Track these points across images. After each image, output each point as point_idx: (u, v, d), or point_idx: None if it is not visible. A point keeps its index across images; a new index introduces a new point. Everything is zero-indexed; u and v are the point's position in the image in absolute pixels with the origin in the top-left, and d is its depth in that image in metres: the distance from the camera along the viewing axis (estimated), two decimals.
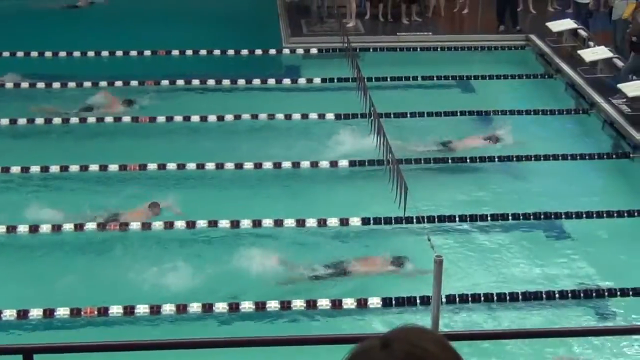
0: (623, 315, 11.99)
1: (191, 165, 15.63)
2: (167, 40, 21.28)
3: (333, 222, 13.93)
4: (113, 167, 15.54)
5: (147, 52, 21.06)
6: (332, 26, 22.34)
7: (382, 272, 12.83)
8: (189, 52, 21.12)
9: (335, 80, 19.36)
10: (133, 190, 14.93)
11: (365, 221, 13.93)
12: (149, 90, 18.99)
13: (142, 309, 11.75)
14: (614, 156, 16.39)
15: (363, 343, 2.27)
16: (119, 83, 19.21)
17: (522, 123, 17.56)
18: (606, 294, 12.26)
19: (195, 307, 11.87)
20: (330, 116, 17.74)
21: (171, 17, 23.18)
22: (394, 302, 12.05)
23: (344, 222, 13.93)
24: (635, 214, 14.04)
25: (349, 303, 12.00)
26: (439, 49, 21.41)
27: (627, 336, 10.81)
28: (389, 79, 19.46)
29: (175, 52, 21.12)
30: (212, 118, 17.70)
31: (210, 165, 15.65)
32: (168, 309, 11.80)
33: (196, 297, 12.04)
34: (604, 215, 14.02)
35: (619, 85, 17.63)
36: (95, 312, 11.72)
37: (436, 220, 13.86)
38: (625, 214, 14.03)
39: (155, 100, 18.51)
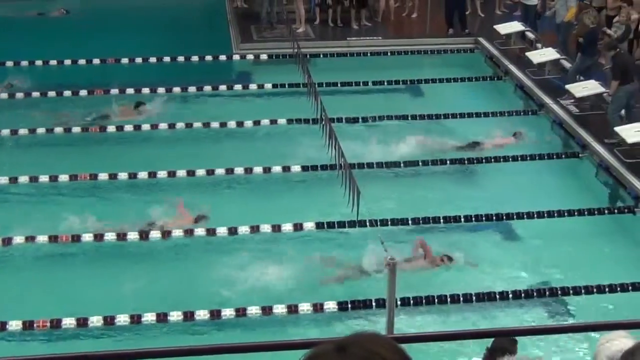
0: (576, 313, 12.14)
1: (142, 174, 15.51)
2: (116, 48, 21.12)
3: (287, 227, 13.92)
4: (64, 178, 15.38)
5: (96, 61, 20.88)
6: (282, 32, 22.35)
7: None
8: (139, 60, 20.97)
9: (287, 86, 19.38)
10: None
11: (320, 225, 13.95)
12: (97, 99, 18.82)
13: (95, 320, 11.66)
14: (563, 156, 16.60)
15: (318, 347, 2.28)
16: (67, 92, 19.04)
17: (473, 125, 17.71)
18: (559, 292, 12.39)
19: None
20: (282, 121, 17.74)
21: (119, 24, 23.03)
22: (349, 306, 12.09)
23: (297, 226, 13.94)
24: (585, 212, 14.22)
25: (304, 308, 12.00)
26: (389, 54, 21.54)
27: (580, 334, 10.91)
28: (339, 84, 19.53)
29: (125, 60, 20.96)
30: (162, 126, 17.60)
31: (162, 174, 15.55)
32: (122, 319, 11.72)
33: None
34: (555, 214, 14.17)
35: (567, 86, 17.86)
36: (48, 324, 11.59)
37: (389, 223, 13.90)
38: (576, 213, 14.19)
39: (106, 108, 18.33)
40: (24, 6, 24.73)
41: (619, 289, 12.30)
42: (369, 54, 21.52)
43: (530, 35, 20.96)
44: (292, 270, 12.88)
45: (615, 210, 14.62)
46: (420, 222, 14.07)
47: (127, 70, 20.61)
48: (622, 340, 3.85)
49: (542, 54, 19.68)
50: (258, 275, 12.79)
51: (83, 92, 19.10)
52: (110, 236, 13.62)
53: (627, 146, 15.34)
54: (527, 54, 19.86)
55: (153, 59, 20.99)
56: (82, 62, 20.84)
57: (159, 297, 12.32)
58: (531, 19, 21.56)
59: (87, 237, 13.58)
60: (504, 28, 21.33)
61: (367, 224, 13.55)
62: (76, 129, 17.42)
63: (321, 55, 21.23)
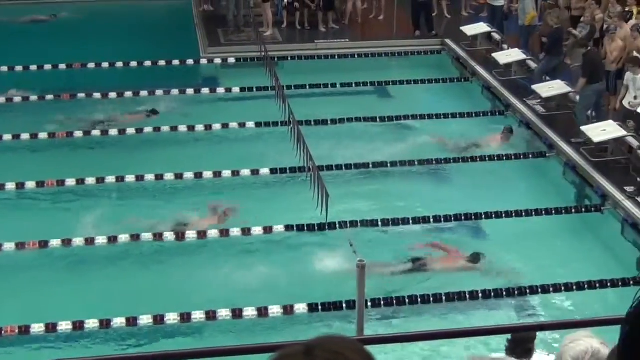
0: (544, 311, 12.24)
1: (110, 179, 15.42)
2: (83, 52, 20.96)
3: (256, 230, 13.91)
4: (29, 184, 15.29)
5: (62, 66, 20.70)
6: (249, 35, 22.32)
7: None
8: (105, 65, 20.82)
9: (255, 90, 19.33)
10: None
11: (289, 228, 13.95)
12: (65, 104, 18.68)
13: (64, 326, 11.58)
14: (530, 156, 16.70)
15: (285, 349, 2.28)
16: (33, 98, 18.90)
17: (441, 127, 17.79)
18: (528, 291, 12.48)
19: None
20: (250, 125, 17.72)
21: (85, 29, 22.89)
22: (320, 307, 12.10)
23: (267, 230, 13.93)
24: (553, 211, 14.34)
25: (275, 310, 12.00)
26: (356, 56, 21.56)
27: (546, 332, 10.99)
28: (307, 87, 19.53)
29: (91, 65, 20.80)
30: (130, 131, 17.50)
31: (130, 178, 15.48)
32: (92, 324, 11.66)
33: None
34: (523, 214, 14.27)
35: (534, 87, 17.97)
36: (16, 331, 11.51)
37: (359, 225, 13.94)
38: (544, 212, 14.30)
39: (72, 114, 18.21)
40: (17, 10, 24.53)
41: (586, 286, 12.42)
42: (336, 57, 21.54)
43: (496, 36, 21.09)
44: (262, 273, 12.88)
45: (583, 209, 14.75)
46: (390, 223, 14.11)
47: (94, 75, 20.45)
48: (586, 340, 3.88)
49: (509, 55, 19.80)
50: (228, 278, 12.77)
51: (49, 96, 18.95)
52: (78, 241, 13.56)
53: (593, 145, 15.48)
54: (494, 55, 19.96)
55: (120, 64, 20.85)
56: (47, 67, 20.64)
57: (128, 301, 12.27)
58: (498, 20, 21.67)
59: (55, 244, 13.50)
60: (471, 29, 21.44)
61: (337, 226, 13.57)
62: (42, 135, 17.28)
63: (289, 58, 21.24)
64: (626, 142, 15.49)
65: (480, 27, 21.41)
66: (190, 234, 13.80)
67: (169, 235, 13.74)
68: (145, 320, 11.72)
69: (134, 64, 20.87)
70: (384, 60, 21.59)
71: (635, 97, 15.93)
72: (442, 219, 14.22)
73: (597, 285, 12.43)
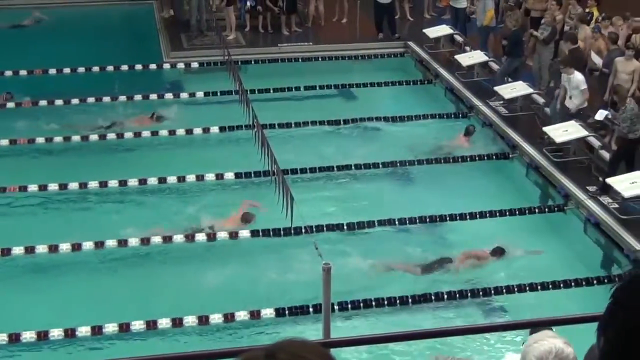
0: (509, 311, 12.31)
1: (73, 185, 15.32)
2: (44, 58, 20.78)
3: (222, 235, 13.87)
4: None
5: (23, 72, 20.51)
6: (212, 39, 22.26)
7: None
8: (67, 70, 20.64)
9: (218, 94, 19.29)
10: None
11: (255, 233, 13.92)
12: (27, 111, 18.51)
13: (27, 335, 11.46)
14: (493, 157, 16.80)
15: (246, 354, 2.27)
16: None
17: (405, 128, 17.85)
18: (492, 292, 12.54)
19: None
20: (214, 130, 17.67)
21: (46, 34, 22.70)
22: (287, 312, 12.08)
23: (232, 235, 13.89)
24: (517, 212, 14.43)
25: (242, 315, 11.98)
26: (320, 59, 21.59)
27: (510, 332, 11.05)
28: (271, 91, 19.49)
29: (53, 71, 20.61)
30: (93, 137, 17.36)
31: (93, 184, 15.37)
32: (57, 333, 11.56)
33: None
34: (487, 215, 14.35)
35: (496, 88, 18.09)
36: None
37: (324, 228, 13.94)
38: (507, 213, 14.39)
39: (34, 120, 18.04)
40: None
41: (550, 286, 12.50)
42: (300, 60, 21.55)
43: (458, 38, 21.20)
44: (228, 278, 12.84)
45: (546, 209, 14.86)
46: (356, 227, 14.13)
47: (55, 81, 20.26)
48: (550, 340, 3.90)
49: (471, 57, 19.90)
50: (194, 284, 12.72)
51: (11, 105, 18.76)
52: (41, 248, 13.43)
53: (555, 146, 15.59)
54: (456, 56, 20.07)
55: (82, 69, 20.68)
56: (8, 73, 20.42)
57: (93, 309, 12.18)
58: (461, 22, 21.79)
59: (18, 250, 13.37)
60: (433, 32, 21.54)
61: (302, 230, 13.56)
62: (4, 141, 17.11)
63: (252, 62, 21.20)
64: (587, 142, 15.63)
65: (443, 30, 21.52)
66: (155, 239, 13.72)
67: (134, 241, 13.65)
68: (110, 328, 11.63)
69: (95, 69, 20.72)
70: (347, 63, 21.64)
71: (571, 97, 16.08)
72: (407, 221, 14.25)
73: (561, 284, 12.53)
